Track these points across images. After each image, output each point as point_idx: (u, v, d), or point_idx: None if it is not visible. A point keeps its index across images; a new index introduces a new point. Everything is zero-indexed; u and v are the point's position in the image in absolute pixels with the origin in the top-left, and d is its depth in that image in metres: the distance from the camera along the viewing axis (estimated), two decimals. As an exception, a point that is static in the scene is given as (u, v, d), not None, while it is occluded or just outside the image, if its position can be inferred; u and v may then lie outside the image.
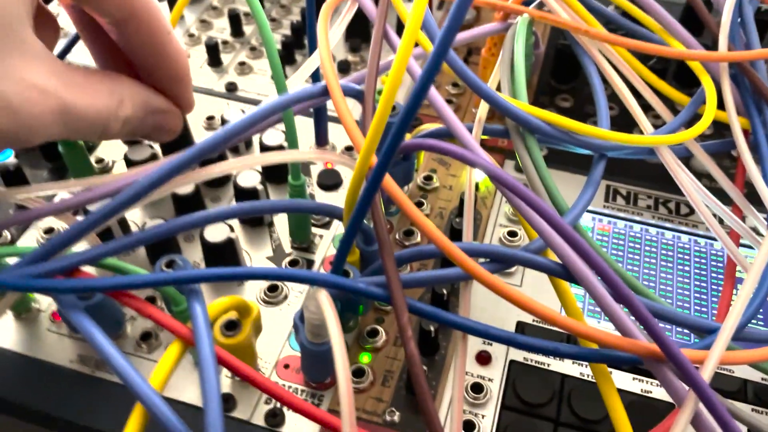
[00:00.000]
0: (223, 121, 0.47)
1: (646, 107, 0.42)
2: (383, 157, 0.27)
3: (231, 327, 0.33)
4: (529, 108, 0.36)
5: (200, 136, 0.49)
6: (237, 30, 0.58)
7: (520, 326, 0.39)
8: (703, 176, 0.47)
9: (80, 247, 0.33)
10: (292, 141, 0.37)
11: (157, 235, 0.32)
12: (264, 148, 0.45)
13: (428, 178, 0.46)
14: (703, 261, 0.43)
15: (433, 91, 0.36)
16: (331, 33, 0.38)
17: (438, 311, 0.30)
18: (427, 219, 0.29)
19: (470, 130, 0.37)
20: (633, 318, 0.29)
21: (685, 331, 0.39)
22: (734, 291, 0.38)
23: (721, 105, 0.40)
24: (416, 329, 0.37)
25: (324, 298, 0.29)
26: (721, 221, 0.38)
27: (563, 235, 0.30)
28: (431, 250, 0.32)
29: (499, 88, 0.40)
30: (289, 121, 0.36)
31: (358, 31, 0.56)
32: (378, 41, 0.34)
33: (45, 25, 0.35)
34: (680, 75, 0.53)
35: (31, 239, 0.42)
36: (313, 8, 0.42)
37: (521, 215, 0.32)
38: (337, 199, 0.45)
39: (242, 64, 0.56)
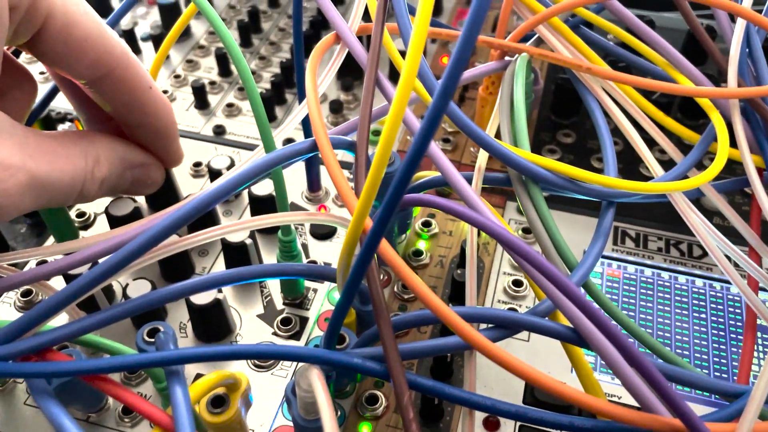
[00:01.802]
0: (210, 169, 0.45)
1: (651, 141, 0.40)
2: (377, 225, 0.24)
3: (218, 403, 0.30)
4: (531, 156, 0.34)
5: (186, 183, 0.47)
6: (225, 70, 0.56)
7: (530, 386, 0.36)
8: (714, 214, 0.45)
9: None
10: (282, 202, 0.35)
11: (142, 307, 0.30)
12: (253, 199, 0.42)
13: (427, 224, 0.44)
14: (720, 307, 0.40)
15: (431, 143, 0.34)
16: (320, 77, 0.36)
17: (441, 387, 0.28)
18: (427, 287, 0.27)
19: (469, 179, 0.35)
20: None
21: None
22: (756, 343, 0.36)
23: (732, 142, 0.38)
24: (419, 394, 0.35)
25: (315, 377, 0.27)
26: (737, 264, 0.36)
27: (573, 300, 0.27)
28: (431, 317, 0.30)
29: (498, 134, 0.37)
30: (278, 180, 0.34)
31: (350, 70, 0.54)
32: (369, 90, 0.32)
33: (17, 84, 0.34)
34: (686, 107, 0.51)
35: (8, 299, 0.40)
36: (301, 50, 0.40)
37: (528, 276, 0.30)
38: (331, 248, 0.43)
39: (230, 105, 0.54)
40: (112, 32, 0.32)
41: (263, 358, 0.27)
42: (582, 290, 0.34)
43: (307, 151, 0.31)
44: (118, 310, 0.30)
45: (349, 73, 0.55)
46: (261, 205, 0.42)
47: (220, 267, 0.42)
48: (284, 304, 0.40)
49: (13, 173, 0.27)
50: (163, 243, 0.30)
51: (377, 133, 0.50)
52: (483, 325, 0.32)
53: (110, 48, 0.31)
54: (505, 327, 0.30)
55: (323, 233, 0.44)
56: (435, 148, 0.34)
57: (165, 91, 0.55)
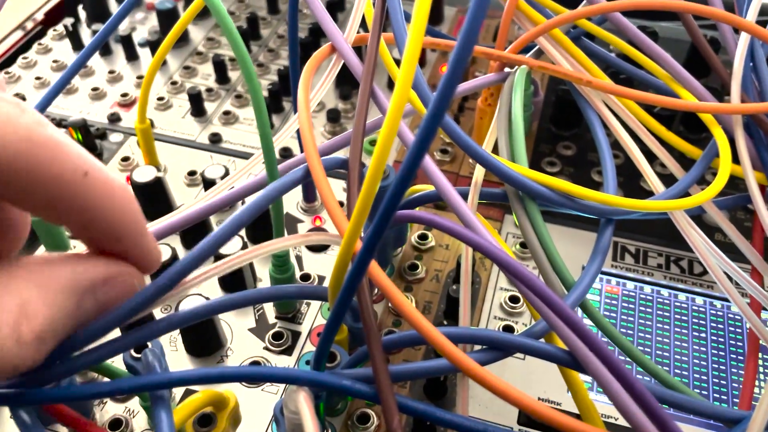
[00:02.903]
0: (204, 178, 0.44)
1: (652, 155, 0.40)
2: (367, 245, 0.24)
3: (205, 422, 0.30)
4: (529, 172, 0.33)
5: (181, 192, 0.47)
6: (222, 77, 0.56)
7: (524, 405, 0.36)
8: (715, 230, 0.45)
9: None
10: (278, 230, 0.34)
11: (132, 343, 0.28)
12: (247, 210, 0.42)
13: (423, 237, 0.43)
14: (720, 326, 0.40)
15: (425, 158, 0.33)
16: (316, 87, 0.35)
17: (432, 410, 0.27)
18: (415, 310, 0.26)
19: (465, 195, 0.34)
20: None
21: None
22: (758, 366, 0.35)
23: (734, 158, 0.38)
24: (410, 413, 0.34)
25: (302, 400, 0.26)
26: (738, 283, 0.36)
27: (568, 323, 0.27)
28: (422, 338, 0.29)
29: (497, 147, 0.37)
30: (277, 209, 0.34)
31: (348, 78, 0.53)
32: (363, 105, 0.31)
33: None
34: (688, 121, 0.51)
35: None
36: (296, 60, 0.39)
37: (523, 296, 0.29)
38: (326, 260, 0.43)
39: (227, 113, 0.53)
40: (9, 109, 0.20)
41: (250, 380, 0.27)
42: (579, 311, 0.34)
43: (302, 180, 0.31)
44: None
45: (347, 81, 0.54)
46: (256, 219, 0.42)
47: (213, 283, 0.41)
48: (276, 318, 0.40)
49: None
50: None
51: (374, 142, 0.49)
52: (477, 346, 0.31)
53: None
54: (498, 348, 0.29)
55: (318, 246, 0.43)
56: (430, 162, 0.33)
57: (161, 98, 0.54)
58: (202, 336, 0.37)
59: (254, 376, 0.27)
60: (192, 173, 0.48)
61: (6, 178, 0.20)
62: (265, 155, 0.33)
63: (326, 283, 0.41)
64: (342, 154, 0.32)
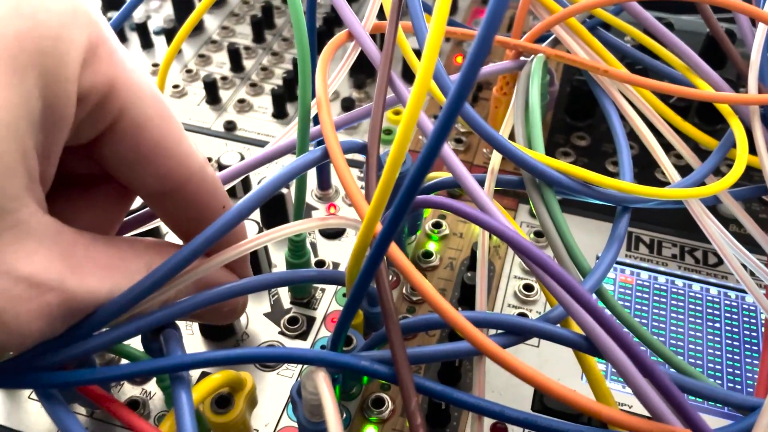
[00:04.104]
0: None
1: (668, 146, 0.40)
2: (387, 228, 0.24)
3: (223, 403, 0.30)
4: (546, 159, 0.33)
5: (197, 179, 0.47)
6: (237, 65, 0.56)
7: (539, 393, 0.36)
8: (731, 221, 0.44)
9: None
10: (298, 210, 0.35)
11: (151, 324, 0.28)
12: (262, 196, 0.42)
13: (437, 225, 0.43)
14: (735, 316, 0.40)
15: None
16: (332, 75, 0.35)
17: (449, 391, 0.27)
18: (436, 292, 0.26)
19: (482, 181, 0.34)
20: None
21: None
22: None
23: (751, 148, 0.38)
24: (425, 399, 0.34)
25: (322, 380, 0.26)
26: (753, 273, 0.36)
27: (586, 307, 0.27)
28: (440, 321, 0.29)
29: (512, 135, 0.37)
30: (300, 192, 0.35)
31: (363, 67, 0.53)
32: (382, 93, 0.31)
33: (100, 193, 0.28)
34: (703, 112, 0.50)
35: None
36: (314, 47, 0.39)
37: (540, 281, 0.29)
38: (340, 247, 0.43)
39: (242, 101, 0.53)
40: (191, 140, 0.27)
41: (270, 361, 0.27)
42: (595, 297, 0.34)
43: (320, 160, 0.31)
44: (135, 325, 0.28)
45: (362, 70, 0.54)
46: (269, 203, 0.42)
47: (227, 264, 0.42)
48: (291, 303, 0.40)
49: (41, 293, 0.22)
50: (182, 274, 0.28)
51: (389, 132, 0.50)
52: (492, 331, 0.31)
53: (186, 159, 0.26)
54: (515, 333, 0.29)
55: (332, 232, 0.43)
56: (447, 149, 0.33)
57: (176, 86, 0.55)
58: (218, 326, 0.37)
59: (275, 356, 0.27)
60: (208, 160, 0.48)
61: (176, 194, 0.26)
62: (300, 118, 0.33)
63: (341, 269, 0.41)
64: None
